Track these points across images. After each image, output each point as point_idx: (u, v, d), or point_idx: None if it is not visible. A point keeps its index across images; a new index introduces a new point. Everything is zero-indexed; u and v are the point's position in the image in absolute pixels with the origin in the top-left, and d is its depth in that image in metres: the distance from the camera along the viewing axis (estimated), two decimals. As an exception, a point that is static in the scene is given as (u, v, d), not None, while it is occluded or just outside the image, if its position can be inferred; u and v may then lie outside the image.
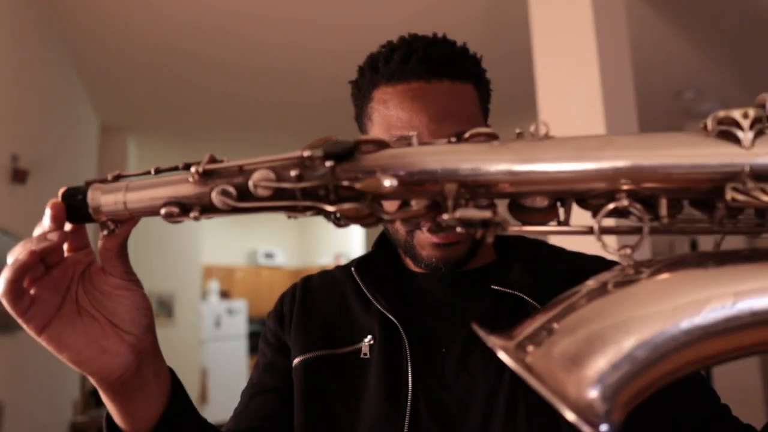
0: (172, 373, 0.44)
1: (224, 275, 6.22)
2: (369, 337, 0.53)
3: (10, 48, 1.87)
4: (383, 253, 0.59)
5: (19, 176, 1.89)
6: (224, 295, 6.05)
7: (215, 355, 5.20)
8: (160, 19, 2.25)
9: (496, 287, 0.52)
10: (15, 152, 1.88)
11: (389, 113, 0.51)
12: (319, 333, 0.55)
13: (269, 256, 6.70)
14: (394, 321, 0.52)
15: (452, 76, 0.51)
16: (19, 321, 0.34)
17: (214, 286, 5.81)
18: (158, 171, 0.32)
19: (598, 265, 0.54)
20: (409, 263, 0.57)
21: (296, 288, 0.61)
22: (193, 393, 4.80)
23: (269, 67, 2.65)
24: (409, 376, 0.49)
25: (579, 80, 1.64)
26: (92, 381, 0.38)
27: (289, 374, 0.55)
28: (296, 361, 0.54)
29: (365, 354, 0.52)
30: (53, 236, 0.33)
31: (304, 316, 0.57)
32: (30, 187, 1.99)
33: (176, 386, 0.43)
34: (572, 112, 1.66)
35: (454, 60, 0.51)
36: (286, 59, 2.57)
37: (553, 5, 1.74)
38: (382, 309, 0.52)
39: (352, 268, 0.57)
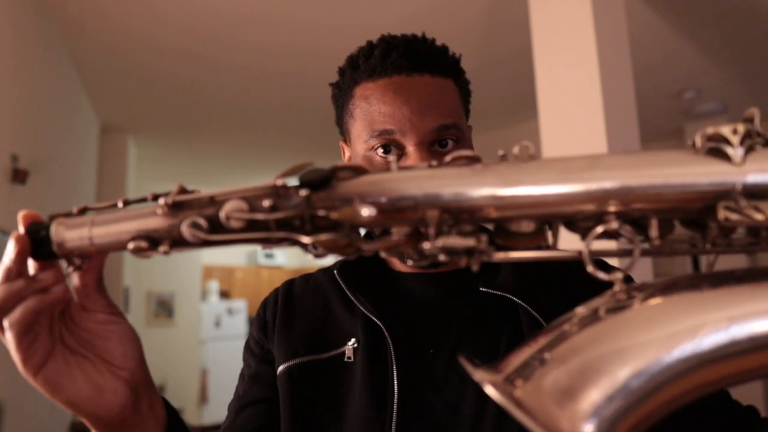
0: (165, 402, 0.42)
1: (224, 275, 6.22)
2: (353, 340, 0.51)
3: (11, 48, 1.86)
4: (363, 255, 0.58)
5: (19, 176, 1.89)
6: (224, 295, 6.05)
7: (215, 355, 5.20)
8: (161, 19, 2.24)
9: (484, 289, 0.51)
10: (15, 152, 1.87)
11: (371, 108, 0.50)
12: (303, 339, 0.54)
13: (269, 256, 6.70)
14: (378, 323, 0.50)
15: (432, 70, 0.51)
16: (19, 357, 0.32)
17: (214, 286, 5.81)
18: (126, 203, 0.30)
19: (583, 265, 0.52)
20: (394, 263, 0.57)
21: (278, 293, 0.59)
22: (193, 393, 4.81)
23: (269, 67, 2.64)
24: (395, 379, 0.48)
25: (579, 80, 1.63)
26: (88, 423, 0.36)
27: (274, 384, 0.54)
28: (280, 368, 0.53)
29: (349, 358, 0.51)
30: (58, 290, 0.32)
31: (286, 323, 0.56)
32: (30, 187, 1.99)
33: (172, 416, 0.42)
34: (572, 111, 1.65)
35: (434, 55, 0.51)
36: (285, 60, 2.56)
37: (553, 5, 1.73)
38: (365, 311, 0.51)
39: (335, 271, 0.56)
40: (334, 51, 2.50)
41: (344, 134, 0.56)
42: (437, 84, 0.51)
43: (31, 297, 0.31)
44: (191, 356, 4.85)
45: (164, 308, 4.64)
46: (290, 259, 7.06)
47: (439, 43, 0.54)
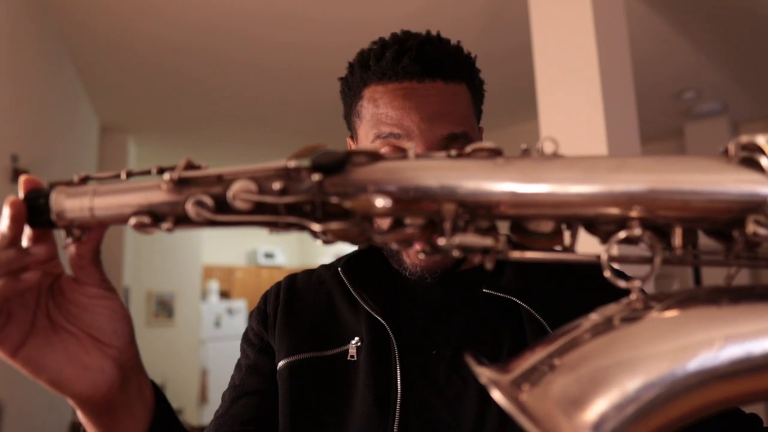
0: (154, 385, 0.41)
1: (224, 275, 6.22)
2: (356, 339, 0.51)
3: (10, 48, 1.86)
4: (372, 251, 0.57)
5: (19, 176, 1.89)
6: (224, 295, 6.05)
7: (215, 355, 5.19)
8: (161, 17, 2.23)
9: (487, 291, 0.51)
10: (15, 152, 1.87)
11: (379, 111, 0.49)
12: (305, 334, 0.53)
13: (269, 256, 6.70)
14: (383, 322, 0.50)
15: (445, 76, 0.49)
16: None
17: (214, 286, 5.81)
18: (130, 174, 0.29)
19: (589, 267, 0.51)
20: (401, 262, 0.56)
21: (280, 287, 0.59)
22: (193, 393, 4.80)
23: (270, 64, 2.63)
24: (398, 378, 0.48)
25: (579, 78, 1.63)
26: (73, 403, 0.35)
27: (272, 376, 0.53)
28: (281, 363, 0.52)
29: (352, 356, 0.50)
30: (32, 277, 0.30)
31: (288, 317, 0.55)
32: (29, 187, 1.99)
33: (160, 399, 0.41)
34: (572, 109, 1.65)
35: (447, 60, 0.50)
36: (287, 56, 2.56)
37: (553, 2, 1.73)
38: (369, 310, 0.51)
39: (339, 268, 0.56)
40: (336, 47, 2.51)
41: (351, 131, 0.56)
42: (449, 90, 0.49)
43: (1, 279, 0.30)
44: (191, 356, 4.84)
45: (164, 308, 4.63)
46: (290, 259, 7.06)
47: None
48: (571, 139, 1.65)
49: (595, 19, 1.62)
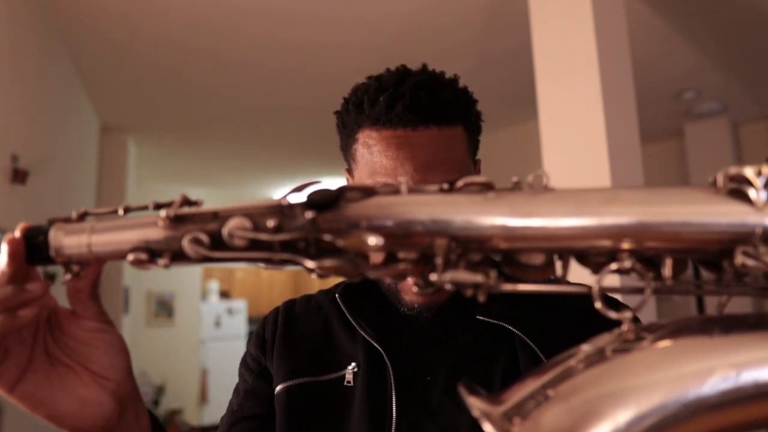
0: (151, 415, 0.42)
1: (224, 275, 6.23)
2: (353, 364, 0.52)
3: (10, 48, 1.86)
4: (368, 278, 0.58)
5: (19, 176, 1.89)
6: (224, 295, 6.06)
7: (215, 355, 5.20)
8: (162, 17, 2.23)
9: (481, 318, 0.51)
10: (15, 152, 1.87)
11: (373, 159, 0.49)
12: (303, 360, 0.54)
13: (270, 255, 6.70)
14: (379, 349, 0.51)
15: (440, 122, 0.48)
16: None
17: (214, 286, 5.81)
18: (128, 210, 0.30)
19: (581, 296, 0.52)
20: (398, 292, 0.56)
21: (278, 312, 0.60)
22: (193, 393, 4.82)
23: (271, 64, 2.63)
24: (393, 404, 0.49)
25: (579, 78, 1.63)
26: None
27: (270, 400, 0.54)
28: (279, 387, 0.53)
29: (349, 382, 0.51)
30: (28, 313, 0.30)
31: (286, 342, 0.56)
32: (30, 187, 1.99)
33: (156, 429, 0.41)
34: (572, 109, 1.65)
35: (442, 105, 0.49)
36: (287, 56, 2.55)
37: (553, 2, 1.73)
38: (366, 336, 0.52)
39: (337, 295, 0.57)
40: (338, 47, 2.51)
41: (348, 167, 0.56)
42: (444, 136, 0.48)
43: None
44: (191, 356, 4.85)
45: (164, 308, 4.64)
46: (290, 259, 7.06)
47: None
48: (571, 139, 1.65)
49: (595, 19, 1.61)
